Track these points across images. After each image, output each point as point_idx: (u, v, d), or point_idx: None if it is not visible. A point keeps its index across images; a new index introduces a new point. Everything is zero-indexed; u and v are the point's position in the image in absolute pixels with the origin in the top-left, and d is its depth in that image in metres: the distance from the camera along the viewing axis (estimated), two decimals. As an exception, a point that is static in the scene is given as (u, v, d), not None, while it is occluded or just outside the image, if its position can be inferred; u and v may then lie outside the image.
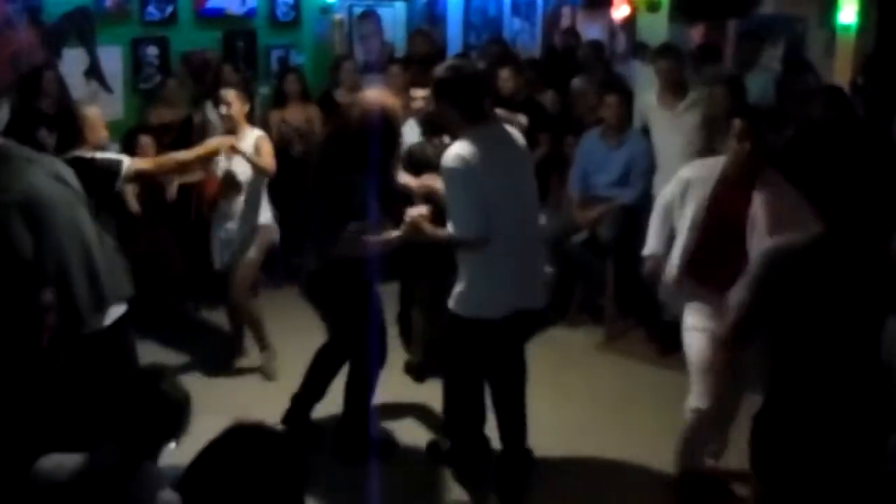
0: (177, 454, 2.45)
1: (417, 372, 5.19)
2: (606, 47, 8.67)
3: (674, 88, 5.68)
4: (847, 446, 2.92)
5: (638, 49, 7.27)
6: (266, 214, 5.18)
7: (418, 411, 4.77)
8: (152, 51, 7.02)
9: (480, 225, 3.46)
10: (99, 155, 4.09)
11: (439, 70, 3.67)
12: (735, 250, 3.65)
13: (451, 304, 3.67)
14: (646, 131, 5.97)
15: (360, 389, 4.33)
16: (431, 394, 4.65)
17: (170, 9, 7.05)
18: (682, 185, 3.97)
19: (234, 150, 4.86)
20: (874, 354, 2.91)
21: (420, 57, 7.06)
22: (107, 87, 6.75)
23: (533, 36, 10.27)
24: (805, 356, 2.90)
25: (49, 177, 3.54)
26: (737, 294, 3.05)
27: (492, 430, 4.03)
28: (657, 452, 4.24)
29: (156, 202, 5.91)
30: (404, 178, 4.49)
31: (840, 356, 2.87)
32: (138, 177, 4.31)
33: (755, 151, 3.73)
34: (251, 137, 5.03)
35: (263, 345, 5.31)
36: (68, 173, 3.66)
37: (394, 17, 9.07)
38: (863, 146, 4.97)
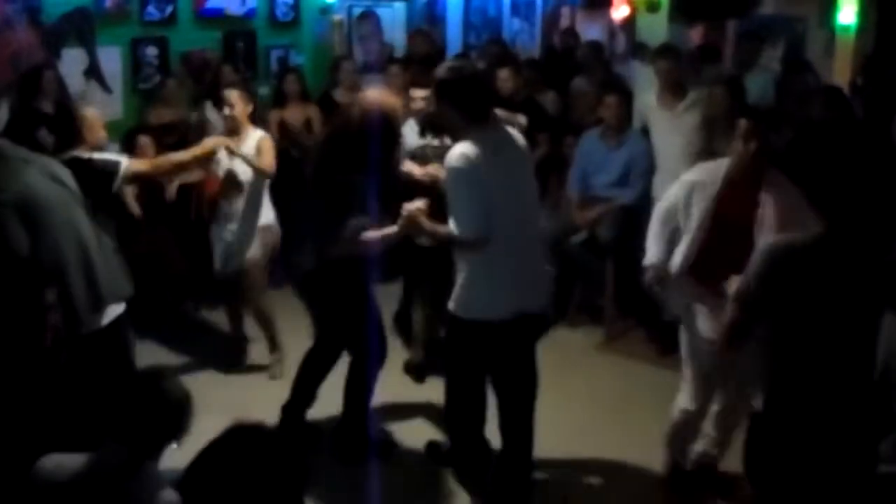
0: (177, 454, 2.45)
1: (417, 372, 5.20)
2: (606, 48, 8.67)
3: (673, 89, 5.68)
4: (841, 449, 2.93)
5: (637, 49, 7.27)
6: (268, 214, 5.18)
7: (418, 411, 4.77)
8: (152, 51, 7.02)
9: (482, 225, 3.45)
10: (97, 156, 4.09)
11: (441, 71, 3.65)
12: (741, 251, 3.62)
13: (450, 305, 3.66)
14: (645, 132, 5.98)
15: (359, 389, 4.33)
16: (431, 394, 4.65)
17: (169, 9, 7.06)
18: (686, 189, 3.91)
19: (230, 151, 4.87)
20: (870, 355, 2.93)
21: (420, 57, 7.06)
22: (106, 88, 6.75)
23: (532, 36, 10.28)
24: (802, 355, 2.91)
25: (45, 177, 3.54)
26: (735, 290, 3.05)
27: (492, 432, 4.02)
28: (657, 453, 4.24)
29: (155, 202, 5.91)
30: (408, 166, 4.50)
31: (837, 356, 2.88)
32: (136, 178, 4.31)
33: (761, 152, 3.72)
34: (254, 138, 5.03)
35: (274, 345, 5.32)
36: (65, 174, 3.66)
37: (393, 17, 9.07)
38: (861, 146, 4.98)
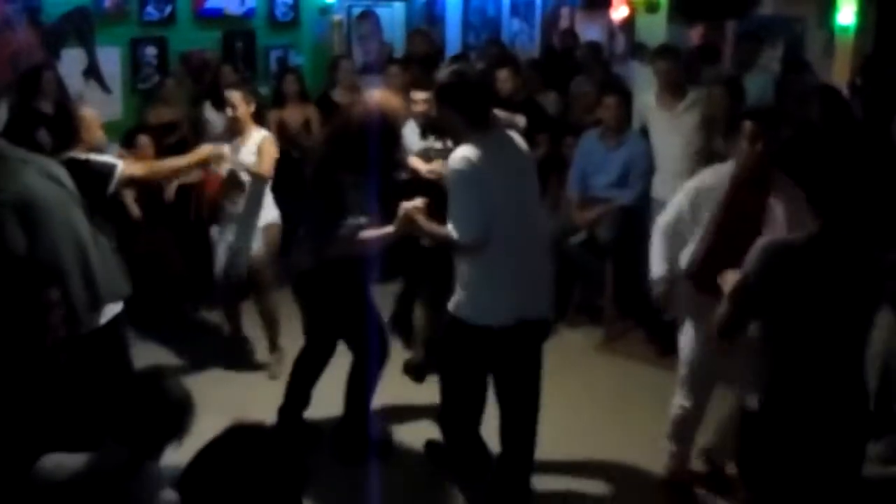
0: (177, 454, 2.45)
1: (417, 372, 5.19)
2: (605, 48, 8.68)
3: (673, 89, 5.68)
4: (834, 448, 2.95)
5: (637, 50, 7.27)
6: (272, 213, 5.17)
7: (418, 411, 4.76)
8: (151, 51, 7.02)
9: (479, 229, 3.43)
10: (93, 157, 4.09)
11: (442, 75, 3.64)
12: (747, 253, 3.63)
13: (450, 307, 3.65)
14: (645, 132, 5.97)
15: (360, 390, 4.33)
16: (432, 394, 4.64)
17: (168, 9, 7.06)
18: (691, 195, 3.87)
19: (223, 159, 4.88)
20: (862, 353, 2.95)
21: (419, 57, 7.07)
22: (105, 88, 6.75)
23: (532, 37, 10.29)
24: (797, 354, 2.93)
25: (44, 177, 3.54)
26: (731, 286, 3.06)
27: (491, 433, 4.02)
28: (656, 453, 4.24)
29: (154, 203, 5.91)
30: (414, 161, 4.49)
31: (830, 354, 2.90)
32: (131, 182, 4.29)
33: (768, 153, 3.70)
34: (256, 138, 5.03)
35: (274, 345, 5.33)
36: (63, 174, 3.67)
37: (392, 17, 9.08)
38: (857, 146, 4.98)
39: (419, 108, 5.18)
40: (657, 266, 4.00)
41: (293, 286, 4.40)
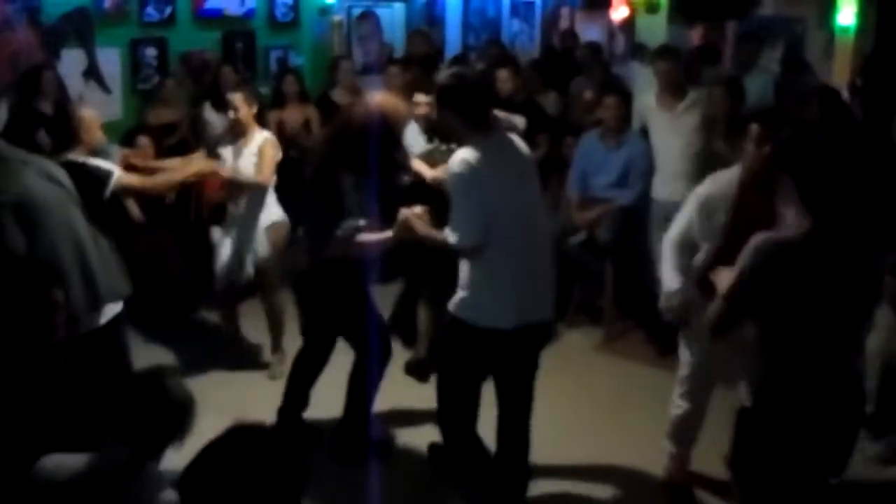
0: (177, 454, 2.44)
1: (420, 371, 5.18)
2: (605, 48, 8.68)
3: (673, 90, 5.67)
4: (825, 447, 2.97)
5: (637, 50, 7.27)
6: (276, 213, 5.16)
7: (419, 411, 4.75)
8: (151, 51, 7.03)
9: (478, 233, 3.41)
10: (91, 161, 4.09)
11: (443, 77, 3.63)
12: None
13: (451, 307, 3.64)
14: (645, 132, 5.97)
15: (361, 389, 4.33)
16: (432, 394, 4.64)
17: (168, 10, 7.06)
18: (700, 202, 3.83)
19: (216, 174, 4.89)
20: (855, 352, 2.96)
21: (418, 58, 7.07)
22: (105, 88, 6.76)
23: (532, 37, 10.29)
24: (789, 351, 2.94)
25: (43, 178, 3.54)
26: (725, 283, 3.07)
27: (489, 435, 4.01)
28: (656, 453, 4.24)
29: (154, 203, 5.91)
30: (418, 165, 4.48)
31: (823, 352, 2.92)
32: (125, 191, 4.28)
33: (785, 154, 3.67)
34: (258, 140, 5.01)
35: (277, 345, 5.33)
36: (62, 174, 3.67)
37: (392, 17, 9.08)
38: (855, 146, 4.98)
39: (422, 110, 5.17)
40: (671, 279, 3.94)
41: (293, 286, 4.40)
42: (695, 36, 8.16)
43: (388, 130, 4.01)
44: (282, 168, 5.13)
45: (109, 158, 4.44)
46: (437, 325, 5.04)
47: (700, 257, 3.84)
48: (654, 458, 4.26)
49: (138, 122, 6.53)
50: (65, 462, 2.46)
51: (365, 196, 3.97)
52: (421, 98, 5.18)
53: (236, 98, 5.03)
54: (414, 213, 3.66)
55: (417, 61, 6.79)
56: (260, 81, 7.48)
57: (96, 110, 4.42)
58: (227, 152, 5.07)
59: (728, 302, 3.03)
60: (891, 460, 3.83)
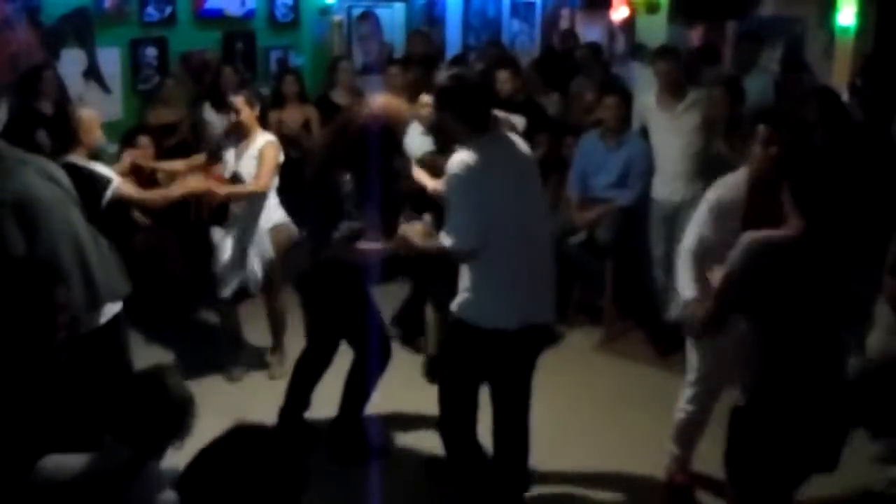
0: (176, 454, 2.45)
1: (433, 373, 5.13)
2: (605, 49, 8.68)
3: (673, 90, 5.67)
4: (816, 445, 3.00)
5: (637, 50, 7.28)
6: (278, 215, 5.14)
7: (418, 413, 4.76)
8: (151, 52, 7.02)
9: (474, 236, 3.41)
10: (91, 167, 4.09)
11: (442, 78, 3.63)
12: None
13: (453, 309, 3.64)
14: (645, 133, 5.97)
15: (359, 390, 4.34)
16: (432, 396, 4.64)
17: (169, 10, 7.06)
18: (711, 207, 3.79)
19: (213, 196, 4.89)
20: (842, 352, 2.97)
21: (418, 58, 7.07)
22: (105, 88, 6.76)
23: (532, 37, 10.28)
24: (781, 350, 2.97)
25: (42, 177, 3.54)
26: (716, 281, 3.09)
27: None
28: (655, 454, 4.24)
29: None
30: (420, 175, 4.47)
31: (813, 350, 2.95)
32: (122, 201, 4.27)
33: (784, 156, 3.68)
34: (259, 143, 4.98)
35: (277, 346, 5.33)
36: (61, 175, 3.68)
37: (392, 18, 9.07)
38: (851, 147, 4.98)
39: (426, 111, 5.18)
40: (688, 289, 3.87)
41: (295, 287, 4.39)
42: (695, 36, 8.16)
43: (388, 132, 4.01)
44: (283, 169, 5.12)
45: (108, 158, 4.45)
46: (445, 326, 5.04)
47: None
48: (653, 458, 4.26)
49: (138, 123, 6.52)
50: (65, 462, 2.46)
51: (364, 197, 3.98)
52: (426, 99, 5.18)
53: (238, 100, 5.01)
54: (413, 229, 3.67)
55: (417, 61, 6.78)
56: (260, 82, 7.47)
57: (96, 110, 4.42)
58: (229, 155, 5.05)
59: (717, 300, 3.06)
60: (890, 461, 3.84)
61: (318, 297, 4.25)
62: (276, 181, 5.07)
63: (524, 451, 3.82)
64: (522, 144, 3.70)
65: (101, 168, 4.17)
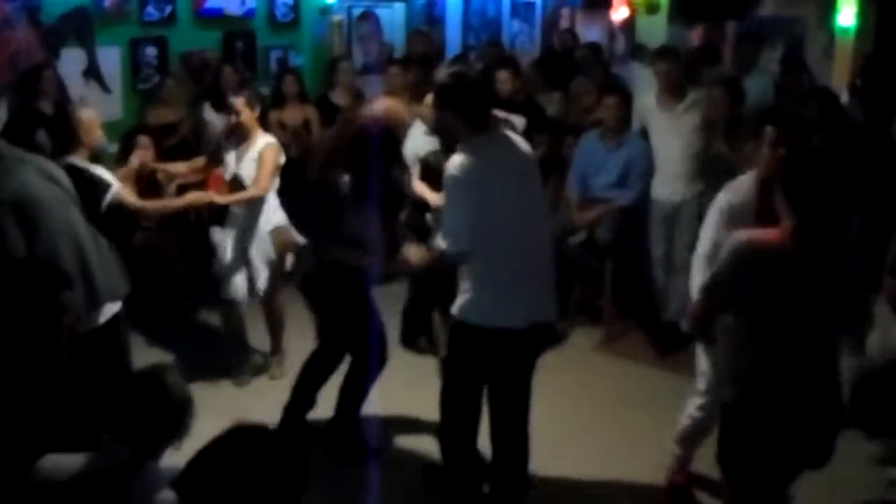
0: (175, 454, 2.44)
1: None
2: (605, 49, 8.67)
3: (673, 90, 5.68)
4: (805, 442, 3.03)
5: (637, 50, 7.27)
6: (279, 216, 5.12)
7: (417, 414, 4.76)
8: (151, 51, 7.02)
9: (466, 238, 3.40)
10: (92, 170, 4.09)
11: (442, 76, 3.62)
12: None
13: (454, 310, 3.63)
14: (644, 133, 5.97)
15: (356, 391, 4.33)
16: (431, 397, 4.64)
17: (169, 9, 7.05)
18: (722, 211, 3.78)
19: (212, 204, 4.90)
20: (833, 351, 3.00)
21: (418, 57, 7.07)
22: (105, 88, 6.75)
23: (532, 38, 10.27)
24: (767, 349, 2.99)
25: (42, 177, 3.54)
26: (703, 283, 3.11)
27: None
28: (655, 454, 4.24)
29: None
30: (421, 189, 4.45)
31: (800, 350, 2.96)
32: (120, 207, 4.26)
33: (790, 157, 3.67)
34: (259, 145, 4.96)
35: (277, 347, 5.32)
36: (61, 174, 3.67)
37: (392, 18, 9.07)
38: (849, 147, 4.98)
39: (430, 111, 5.17)
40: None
41: (300, 288, 4.39)
42: (695, 36, 8.15)
43: (388, 135, 4.02)
44: (283, 170, 5.10)
45: (108, 158, 4.44)
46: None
47: None
48: (653, 458, 4.26)
49: (138, 122, 6.52)
50: (64, 462, 2.45)
51: (363, 199, 3.98)
52: (430, 99, 5.18)
53: (238, 102, 4.98)
54: (413, 252, 3.69)
55: (416, 62, 6.78)
56: (260, 81, 7.47)
57: (96, 110, 4.42)
58: (230, 157, 5.04)
59: (704, 298, 3.09)
60: (889, 461, 3.83)
61: (322, 298, 4.25)
62: (276, 183, 5.06)
63: (524, 454, 3.80)
64: (523, 144, 3.70)
65: (101, 172, 4.16)
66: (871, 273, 3.77)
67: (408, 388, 4.97)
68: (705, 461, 4.12)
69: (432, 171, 4.60)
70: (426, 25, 9.28)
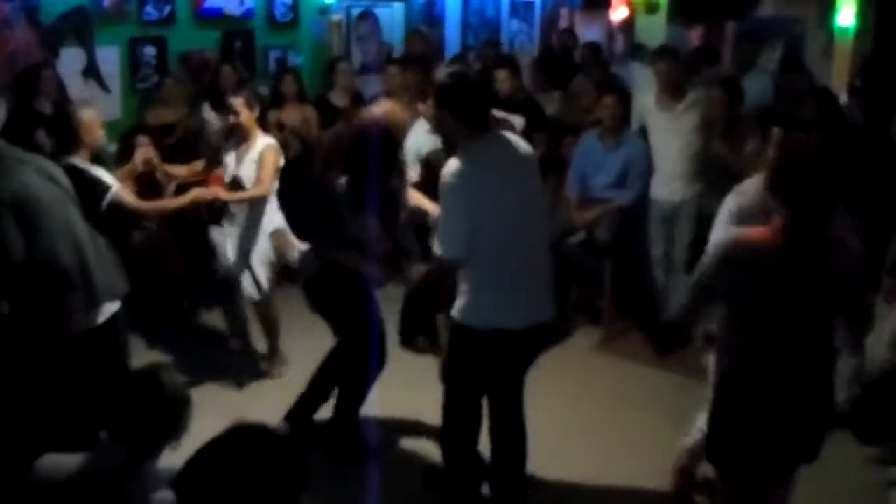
0: (175, 455, 2.44)
1: None
2: (605, 48, 8.68)
3: (672, 90, 5.68)
4: (789, 436, 3.03)
5: (636, 50, 7.27)
6: (278, 219, 5.10)
7: (416, 413, 4.76)
8: (150, 51, 7.01)
9: (461, 245, 3.41)
10: (92, 171, 4.08)
11: (442, 76, 3.63)
12: None
13: (454, 313, 3.63)
14: (644, 133, 5.98)
15: (355, 391, 4.33)
16: (431, 397, 4.64)
17: (168, 9, 7.05)
18: (732, 214, 3.75)
19: (217, 199, 4.88)
20: (823, 349, 3.01)
21: (416, 57, 7.07)
22: (104, 87, 6.75)
23: (531, 37, 10.27)
24: (751, 344, 3.01)
25: (41, 177, 3.54)
26: (691, 279, 3.14)
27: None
28: (654, 454, 4.24)
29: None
30: (419, 199, 4.43)
31: (784, 347, 2.97)
32: (120, 208, 4.26)
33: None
34: (259, 146, 4.95)
35: (274, 349, 5.31)
36: (60, 174, 3.67)
37: (392, 17, 9.07)
38: (846, 147, 4.98)
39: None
40: None
41: (304, 291, 4.39)
42: (694, 36, 8.15)
43: (387, 138, 4.02)
44: (283, 171, 5.09)
45: (108, 157, 4.44)
46: None
47: None
48: (653, 458, 4.26)
49: (137, 122, 6.51)
50: (62, 461, 2.45)
51: (360, 201, 3.99)
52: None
53: (237, 102, 4.96)
54: (416, 271, 3.77)
55: (415, 61, 6.78)
56: (259, 81, 7.46)
57: (95, 109, 4.41)
58: (229, 158, 5.03)
59: (692, 292, 3.16)
60: (889, 461, 3.83)
61: (323, 299, 4.25)
62: (276, 185, 5.06)
63: (523, 450, 3.81)
64: (523, 144, 3.70)
65: (101, 172, 4.16)
66: (871, 273, 3.78)
67: (407, 387, 4.97)
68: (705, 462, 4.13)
69: (434, 170, 4.60)
70: (425, 25, 9.28)
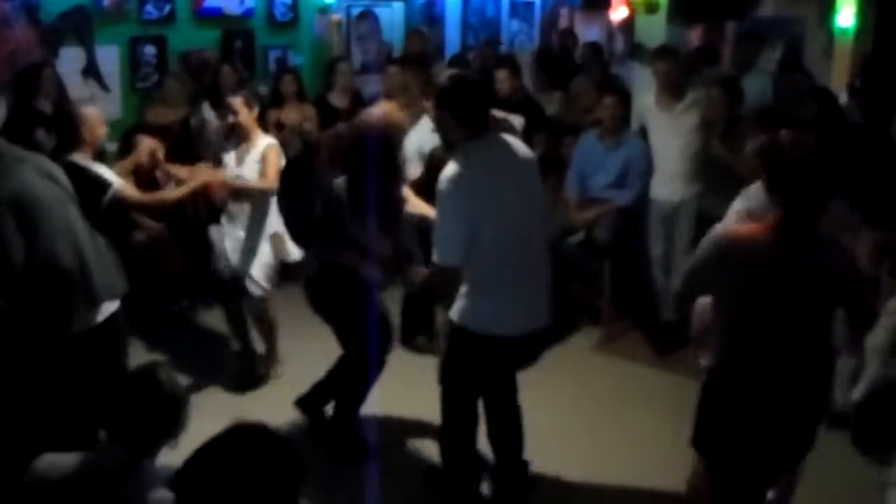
0: (173, 454, 2.44)
1: None
2: (605, 48, 8.68)
3: (672, 90, 5.68)
4: (779, 431, 3.03)
5: (636, 50, 7.27)
6: (276, 221, 5.08)
7: (416, 413, 4.76)
8: (150, 50, 7.01)
9: (458, 252, 3.41)
10: (93, 168, 4.08)
11: (442, 78, 3.64)
12: None
13: (453, 315, 3.63)
14: (644, 133, 5.98)
15: (355, 391, 4.33)
16: (430, 397, 4.64)
17: (168, 8, 7.05)
18: (741, 216, 3.79)
19: (223, 186, 4.88)
20: (817, 346, 3.01)
21: (415, 57, 7.07)
22: (104, 87, 6.75)
23: (531, 37, 10.28)
24: (741, 336, 3.02)
25: (40, 175, 3.53)
26: (686, 270, 3.21)
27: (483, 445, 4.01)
28: (654, 454, 4.24)
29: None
30: (419, 205, 4.43)
31: (775, 341, 2.97)
32: (123, 204, 4.26)
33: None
34: (261, 146, 4.94)
35: (272, 351, 5.30)
36: (59, 172, 3.67)
37: (392, 17, 9.07)
38: (845, 146, 4.98)
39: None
40: None
41: (305, 292, 4.39)
42: (694, 36, 8.15)
43: (386, 139, 4.03)
44: (283, 172, 5.08)
45: (108, 157, 4.43)
46: None
47: None
48: (653, 458, 4.26)
49: (137, 121, 6.51)
50: (60, 461, 2.45)
51: (359, 202, 3.99)
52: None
53: (236, 101, 4.95)
54: (417, 274, 3.77)
55: (414, 60, 6.78)
56: (258, 81, 7.47)
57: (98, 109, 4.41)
58: (229, 158, 5.02)
59: (683, 281, 3.21)
60: (887, 462, 3.83)
61: (323, 299, 4.25)
62: (276, 185, 5.05)
63: (520, 448, 3.84)
64: (522, 146, 3.70)
65: (102, 170, 4.16)
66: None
67: (407, 387, 4.97)
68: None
69: (436, 168, 4.61)
70: (425, 25, 9.27)
